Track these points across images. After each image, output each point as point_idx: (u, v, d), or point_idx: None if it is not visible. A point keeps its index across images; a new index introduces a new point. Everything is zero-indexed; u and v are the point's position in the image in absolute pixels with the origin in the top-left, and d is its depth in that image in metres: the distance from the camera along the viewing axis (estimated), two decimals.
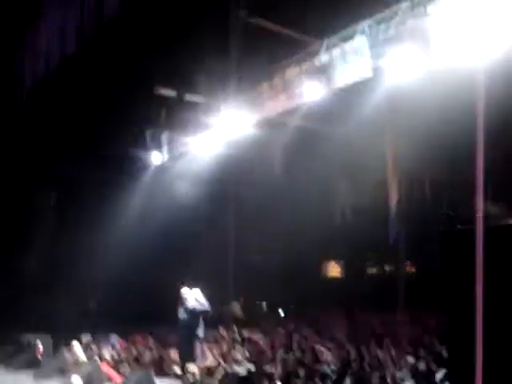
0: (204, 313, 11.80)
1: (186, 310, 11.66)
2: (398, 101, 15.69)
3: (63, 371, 13.69)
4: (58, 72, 18.27)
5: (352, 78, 13.77)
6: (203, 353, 12.69)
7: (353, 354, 10.77)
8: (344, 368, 9.54)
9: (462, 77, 11.14)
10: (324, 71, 14.12)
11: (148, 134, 18.79)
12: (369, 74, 12.98)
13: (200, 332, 11.69)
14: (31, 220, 22.78)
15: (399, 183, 19.63)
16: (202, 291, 12.19)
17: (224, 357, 12.10)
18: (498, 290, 6.29)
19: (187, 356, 11.46)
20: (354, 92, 14.80)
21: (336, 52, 13.84)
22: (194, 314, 11.59)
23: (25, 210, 22.45)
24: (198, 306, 11.65)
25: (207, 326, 17.28)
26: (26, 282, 22.12)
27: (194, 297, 11.81)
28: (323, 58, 14.08)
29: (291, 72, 14.92)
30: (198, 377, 10.77)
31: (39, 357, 15.53)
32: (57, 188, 22.31)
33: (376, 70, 13.05)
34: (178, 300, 11.93)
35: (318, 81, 14.12)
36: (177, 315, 11.98)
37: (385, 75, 13.10)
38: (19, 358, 15.88)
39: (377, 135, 19.47)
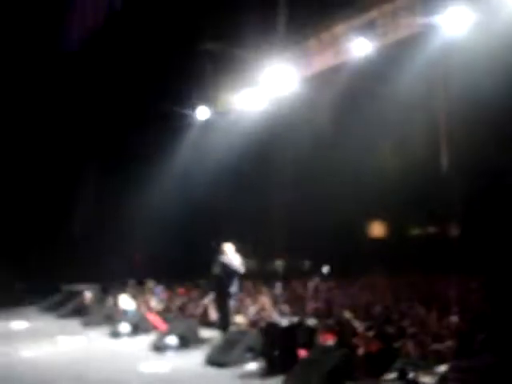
0: (237, 272, 11.78)
1: (221, 264, 11.70)
2: (450, 58, 15.32)
3: (110, 319, 14.08)
4: (106, 28, 18.40)
5: (402, 34, 13.52)
6: (245, 306, 12.90)
7: (394, 311, 10.82)
8: (383, 323, 9.59)
9: None
10: (374, 27, 13.87)
11: (194, 89, 18.77)
12: (420, 29, 12.74)
13: (234, 288, 11.72)
14: (82, 174, 23.19)
15: (450, 142, 19.27)
16: (239, 252, 12.22)
17: (266, 310, 12.29)
18: None
19: (223, 310, 11.61)
20: (403, 49, 14.53)
21: (387, 7, 13.59)
22: (228, 269, 11.61)
23: (76, 166, 22.87)
24: (233, 262, 11.68)
25: (251, 279, 17.61)
26: (77, 234, 22.68)
27: (232, 254, 11.86)
28: (373, 13, 13.82)
29: (340, 28, 14.68)
30: (242, 327, 10.97)
31: (87, 305, 15.98)
32: (107, 142, 22.57)
33: (427, 27, 12.79)
34: (216, 255, 11.95)
35: (367, 37, 13.90)
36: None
37: (436, 32, 12.81)
38: (68, 305, 16.38)
39: (428, 93, 19.09)
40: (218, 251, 11.91)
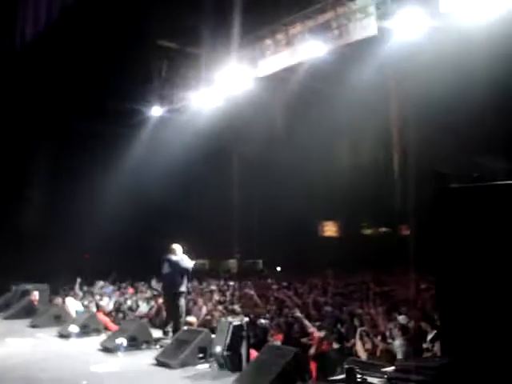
0: (187, 269, 11.74)
1: (171, 263, 11.60)
2: (402, 61, 15.55)
3: (59, 320, 13.82)
4: (59, 23, 18.06)
5: (357, 37, 13.65)
6: (198, 305, 12.86)
7: (344, 311, 10.92)
8: (334, 323, 9.68)
9: (465, 36, 11.15)
10: (329, 29, 13.98)
11: (148, 86, 18.60)
12: (374, 32, 12.88)
13: (183, 287, 11.67)
14: (31, 169, 22.68)
15: (400, 143, 19.61)
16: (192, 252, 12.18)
17: (218, 309, 12.27)
18: (489, 248, 6.25)
19: (174, 311, 11.51)
20: (357, 51, 14.71)
21: (341, 10, 13.70)
22: (178, 268, 11.53)
23: (24, 160, 22.38)
24: (182, 261, 11.62)
25: (203, 279, 17.57)
26: (25, 232, 22.15)
27: (180, 252, 11.79)
28: (328, 15, 13.93)
29: (295, 29, 14.76)
30: (193, 327, 10.90)
31: (35, 305, 15.65)
32: (57, 139, 22.14)
33: (381, 30, 12.96)
34: (165, 254, 11.87)
35: (322, 38, 14.01)
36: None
37: (389, 35, 12.99)
38: (16, 306, 16.01)
39: (380, 95, 19.35)
40: (167, 250, 11.83)
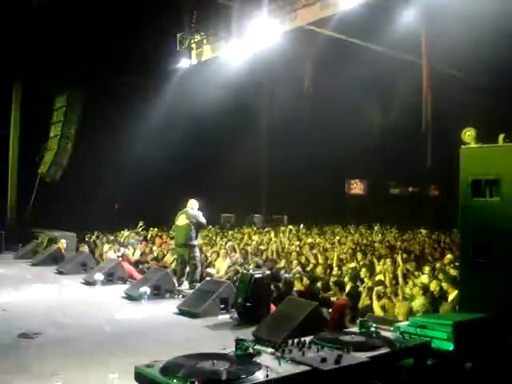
0: (202, 224, 11.99)
1: (188, 216, 11.74)
2: (435, 14, 15.15)
3: (85, 267, 14.07)
4: None
5: None
6: (221, 258, 12.98)
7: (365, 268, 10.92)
8: (354, 279, 9.71)
9: None
10: None
11: (178, 36, 18.32)
12: None
13: (196, 241, 11.90)
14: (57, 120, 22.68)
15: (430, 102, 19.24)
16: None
17: (241, 261, 12.37)
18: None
19: (191, 262, 11.68)
20: (390, 5, 14.39)
21: None
22: (194, 221, 11.69)
23: (50, 110, 22.43)
24: (199, 215, 11.85)
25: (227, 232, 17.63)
26: (53, 182, 22.36)
27: (196, 207, 11.99)
28: None
29: None
30: (215, 277, 11.04)
31: (63, 252, 15.92)
32: (84, 88, 22.02)
33: None
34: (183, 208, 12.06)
35: None
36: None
37: None
38: (43, 253, 16.31)
39: (412, 52, 18.93)
40: (189, 203, 12.03)
